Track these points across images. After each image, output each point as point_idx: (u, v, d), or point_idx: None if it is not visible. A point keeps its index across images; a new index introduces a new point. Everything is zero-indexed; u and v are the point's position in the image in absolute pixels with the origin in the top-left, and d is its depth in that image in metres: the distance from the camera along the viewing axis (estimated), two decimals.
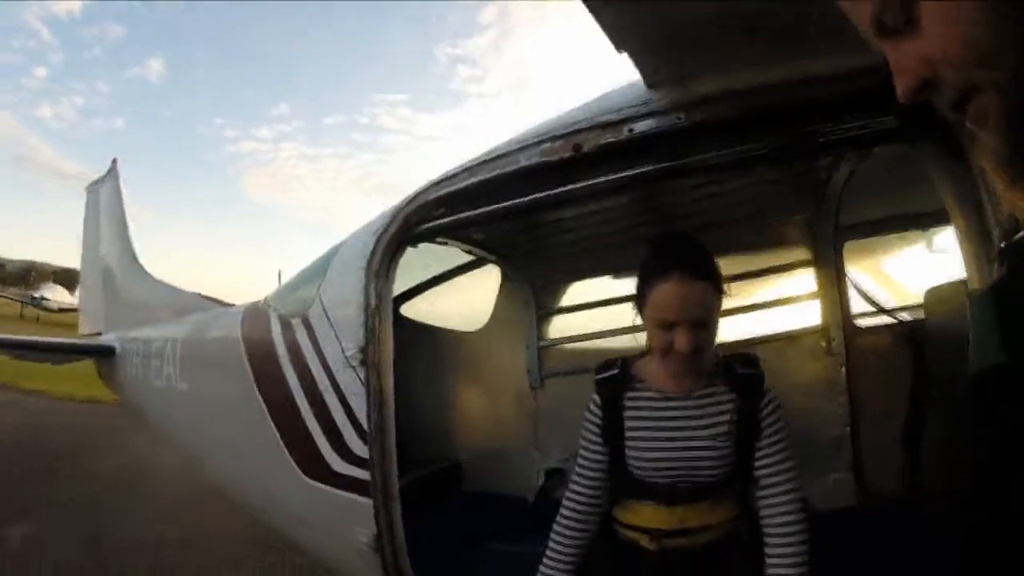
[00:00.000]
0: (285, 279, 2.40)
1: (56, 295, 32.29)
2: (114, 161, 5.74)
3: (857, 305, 2.30)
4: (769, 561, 1.32)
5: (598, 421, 1.44)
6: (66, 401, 9.40)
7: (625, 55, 1.22)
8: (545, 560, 1.46)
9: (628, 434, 1.40)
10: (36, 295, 32.30)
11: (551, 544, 1.47)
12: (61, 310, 28.43)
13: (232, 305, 3.29)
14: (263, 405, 2.10)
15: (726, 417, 1.36)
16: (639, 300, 1.38)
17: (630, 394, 1.42)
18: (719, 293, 1.34)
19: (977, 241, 1.15)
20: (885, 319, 2.34)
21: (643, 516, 1.41)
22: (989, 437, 0.73)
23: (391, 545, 1.74)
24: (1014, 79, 0.48)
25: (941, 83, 0.50)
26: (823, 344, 2.29)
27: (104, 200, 5.68)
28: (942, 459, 2.05)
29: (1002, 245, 0.77)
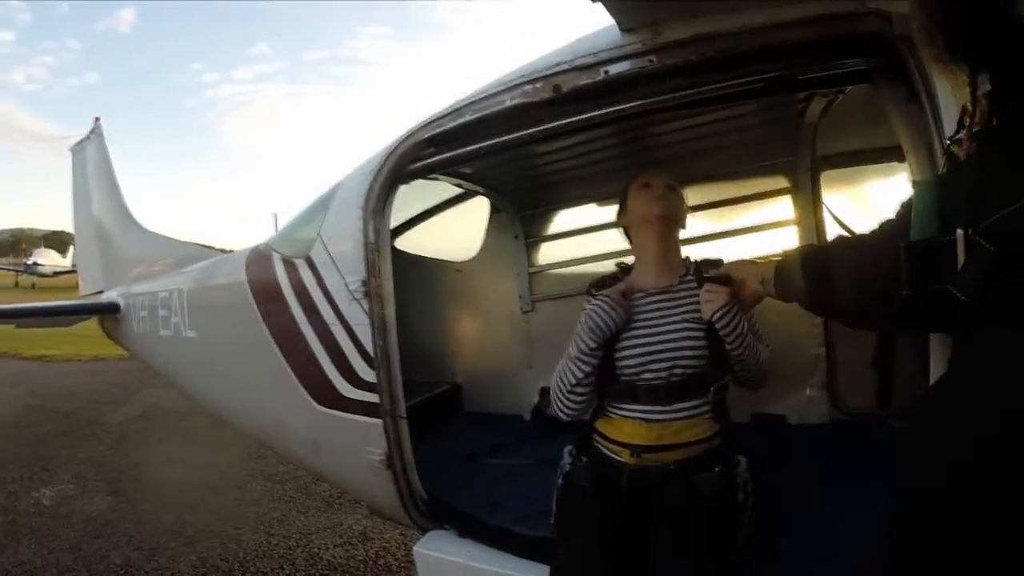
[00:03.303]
0: (281, 221, 2.48)
1: (49, 259, 31.98)
2: (97, 119, 5.68)
3: (834, 231, 2.41)
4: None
5: None
6: (72, 363, 9.59)
7: (599, 3, 1.26)
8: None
9: (622, 334, 1.56)
10: (29, 262, 32.03)
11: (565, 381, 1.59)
12: (56, 274, 28.25)
13: (230, 251, 3.37)
14: (273, 342, 2.22)
15: (697, 307, 1.53)
16: (624, 200, 1.73)
17: None
18: (683, 200, 1.72)
19: None
20: None
21: (625, 432, 1.53)
22: (915, 301, 0.84)
23: (401, 461, 1.88)
24: None
25: None
26: None
27: (91, 159, 5.63)
28: (909, 379, 2.20)
29: (946, 142, 0.87)
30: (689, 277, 1.63)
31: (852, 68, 1.31)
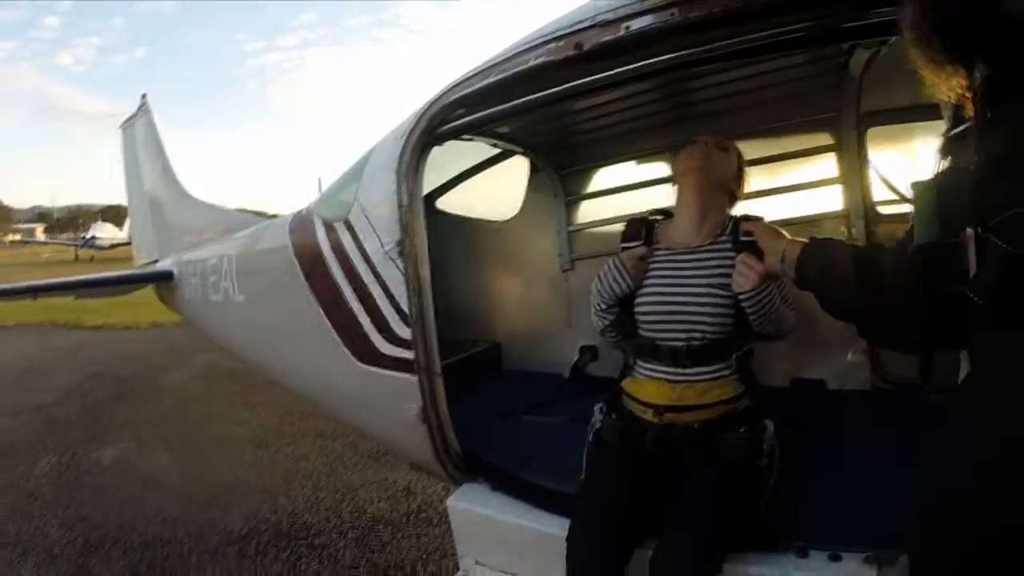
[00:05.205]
0: (325, 185, 2.53)
1: (106, 232, 33.71)
2: (144, 96, 5.87)
3: (879, 192, 2.31)
4: None
5: None
6: (132, 330, 10.14)
7: None
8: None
9: (640, 289, 1.58)
10: (87, 236, 33.85)
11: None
12: (113, 246, 29.79)
13: (277, 216, 3.49)
14: (316, 303, 2.31)
15: (726, 270, 1.49)
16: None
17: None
18: (737, 168, 1.67)
19: None
20: (907, 207, 2.34)
21: (648, 391, 1.55)
22: (928, 303, 0.85)
23: (436, 416, 1.95)
24: None
25: None
26: (843, 230, 2.31)
27: (140, 136, 5.86)
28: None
29: (941, 139, 0.86)
30: (724, 237, 1.57)
31: (895, 16, 1.24)
